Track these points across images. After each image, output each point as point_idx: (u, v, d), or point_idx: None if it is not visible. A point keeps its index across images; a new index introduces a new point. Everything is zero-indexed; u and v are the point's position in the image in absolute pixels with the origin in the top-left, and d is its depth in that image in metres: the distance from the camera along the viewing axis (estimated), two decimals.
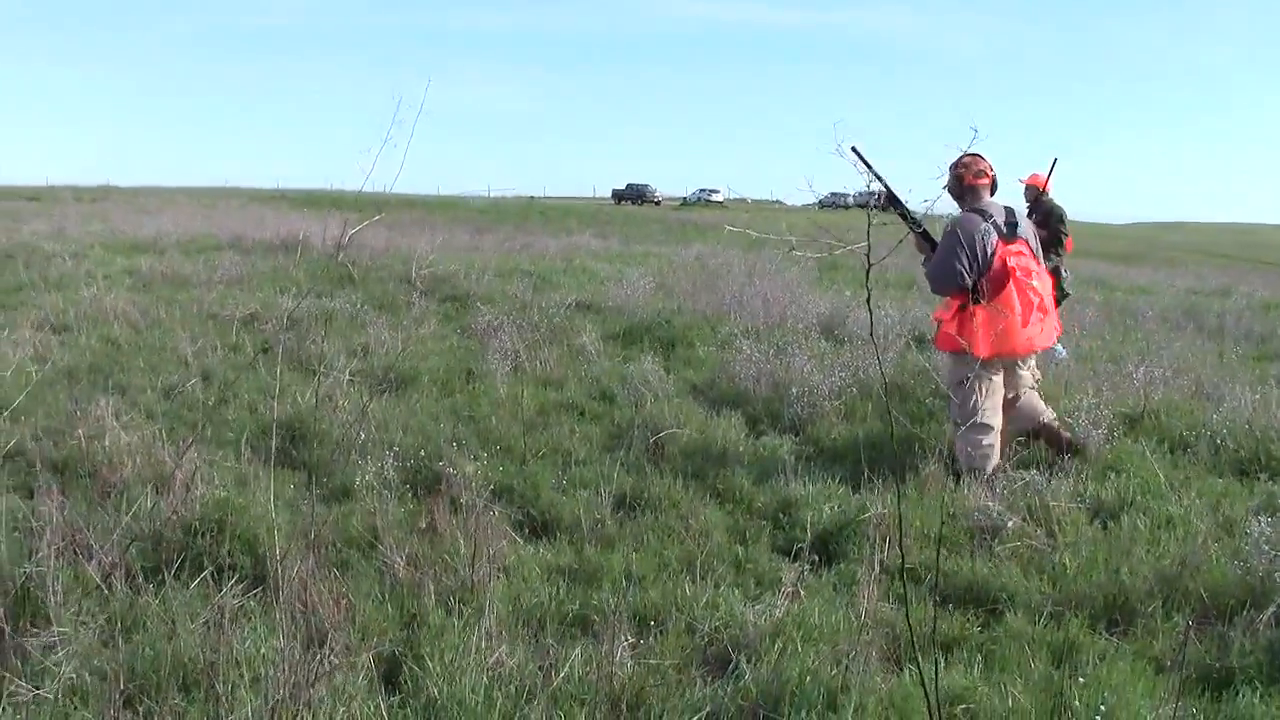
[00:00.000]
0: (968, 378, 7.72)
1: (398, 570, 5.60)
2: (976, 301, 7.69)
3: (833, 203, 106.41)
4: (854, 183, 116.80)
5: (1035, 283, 7.72)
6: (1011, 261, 7.64)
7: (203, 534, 5.72)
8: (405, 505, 6.71)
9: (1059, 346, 12.75)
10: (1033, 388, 8.19)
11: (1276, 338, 16.35)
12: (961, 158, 7.81)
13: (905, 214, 7.82)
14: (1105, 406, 8.85)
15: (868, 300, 4.11)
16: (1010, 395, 8.02)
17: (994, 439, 7.82)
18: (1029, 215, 11.95)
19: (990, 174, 7.96)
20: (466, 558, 5.63)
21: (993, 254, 7.64)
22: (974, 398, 7.73)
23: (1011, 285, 7.61)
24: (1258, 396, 9.56)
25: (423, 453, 7.50)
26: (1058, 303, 12.84)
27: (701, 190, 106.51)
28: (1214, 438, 8.46)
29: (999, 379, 7.89)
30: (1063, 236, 13.24)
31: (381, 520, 6.17)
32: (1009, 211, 7.88)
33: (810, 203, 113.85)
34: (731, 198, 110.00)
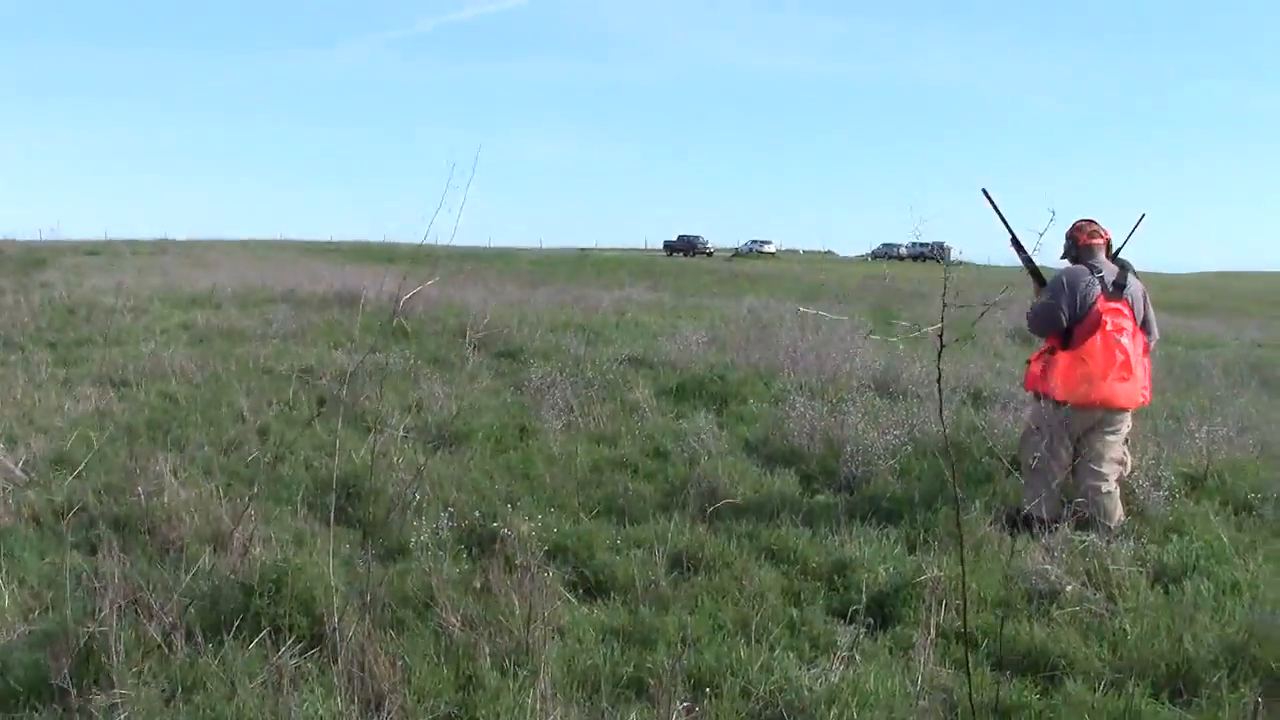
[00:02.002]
0: (1043, 423, 7.89)
1: (453, 631, 5.62)
2: (1065, 347, 7.89)
3: (884, 253, 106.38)
4: (905, 234, 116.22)
5: (1125, 340, 7.82)
6: (1106, 316, 7.80)
7: (261, 594, 5.74)
8: (460, 565, 6.70)
9: None
10: (1119, 476, 8.13)
11: None
12: (1076, 223, 8.18)
13: (1025, 258, 8.41)
14: (1166, 466, 8.79)
15: (938, 360, 4.12)
16: (1085, 470, 7.97)
17: (1056, 486, 7.87)
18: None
19: (1105, 235, 8.17)
20: (521, 619, 5.64)
21: (1092, 304, 7.81)
22: (1045, 440, 7.85)
23: (1099, 336, 7.76)
24: None
25: (477, 512, 7.51)
26: None
27: (753, 241, 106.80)
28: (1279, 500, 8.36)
29: (1072, 433, 7.98)
30: None
31: (436, 580, 6.19)
32: (1121, 272, 8.05)
33: (864, 253, 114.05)
34: (783, 249, 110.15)
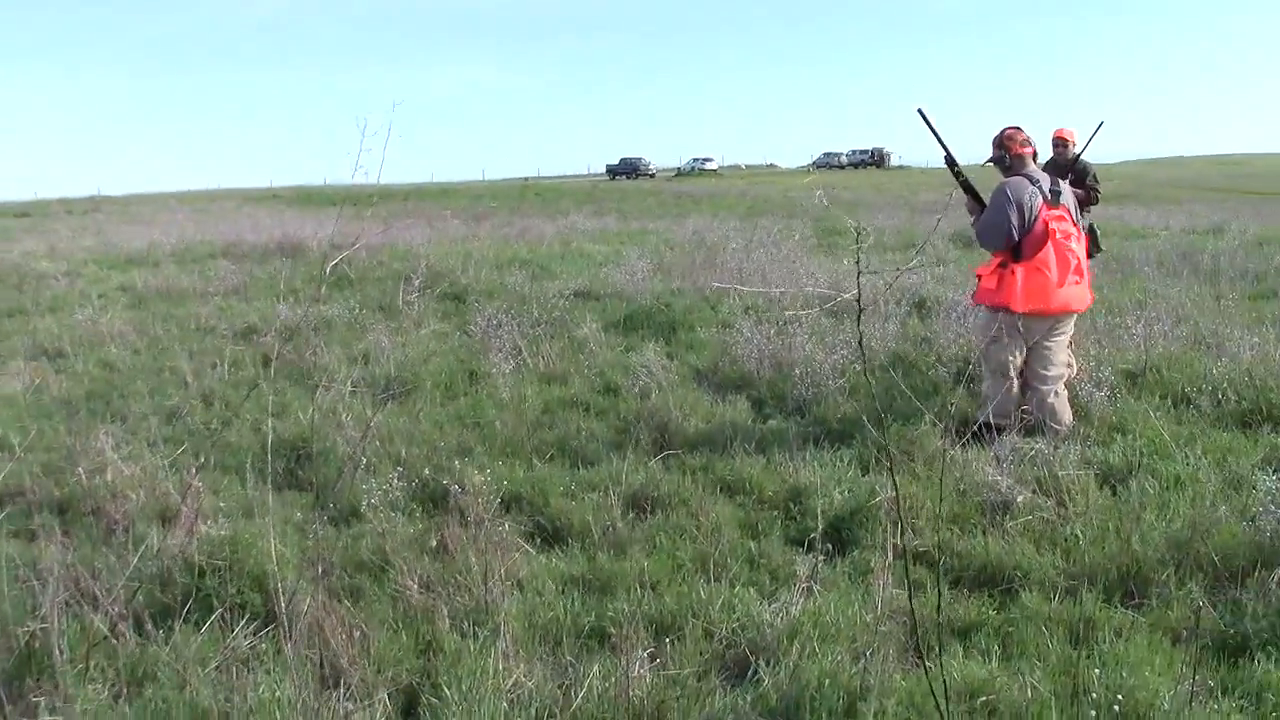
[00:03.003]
0: (1002, 332, 8.05)
1: (410, 595, 5.55)
2: (1017, 259, 8.03)
3: (826, 163, 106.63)
4: (844, 144, 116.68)
5: (1074, 245, 8.06)
6: (1053, 224, 7.97)
7: (211, 573, 5.65)
8: (415, 524, 6.61)
9: None
10: (1065, 378, 8.35)
11: (1271, 274, 16.43)
12: (1005, 130, 8.36)
13: (959, 175, 8.55)
14: (1106, 364, 8.88)
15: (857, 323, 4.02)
16: (1034, 375, 8.20)
17: (1013, 392, 8.14)
18: (1062, 173, 12.30)
19: (1032, 144, 8.36)
20: (479, 576, 5.59)
21: (1036, 216, 7.96)
22: (1006, 352, 8.07)
23: (1050, 246, 7.93)
24: (1256, 341, 9.67)
25: (427, 469, 7.43)
26: (1091, 256, 13.10)
27: (695, 159, 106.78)
28: (1215, 391, 8.54)
29: (1028, 341, 8.15)
30: (1097, 195, 13.34)
31: (391, 543, 6.12)
32: (1053, 179, 8.26)
33: (804, 164, 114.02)
34: (725, 165, 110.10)
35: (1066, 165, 13.04)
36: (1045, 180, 8.14)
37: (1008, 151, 8.26)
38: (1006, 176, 8.24)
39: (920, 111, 8.34)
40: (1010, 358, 8.08)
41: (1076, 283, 8.04)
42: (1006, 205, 7.97)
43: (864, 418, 8.15)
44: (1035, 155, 8.36)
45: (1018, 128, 8.33)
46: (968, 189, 8.55)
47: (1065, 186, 8.27)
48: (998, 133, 8.35)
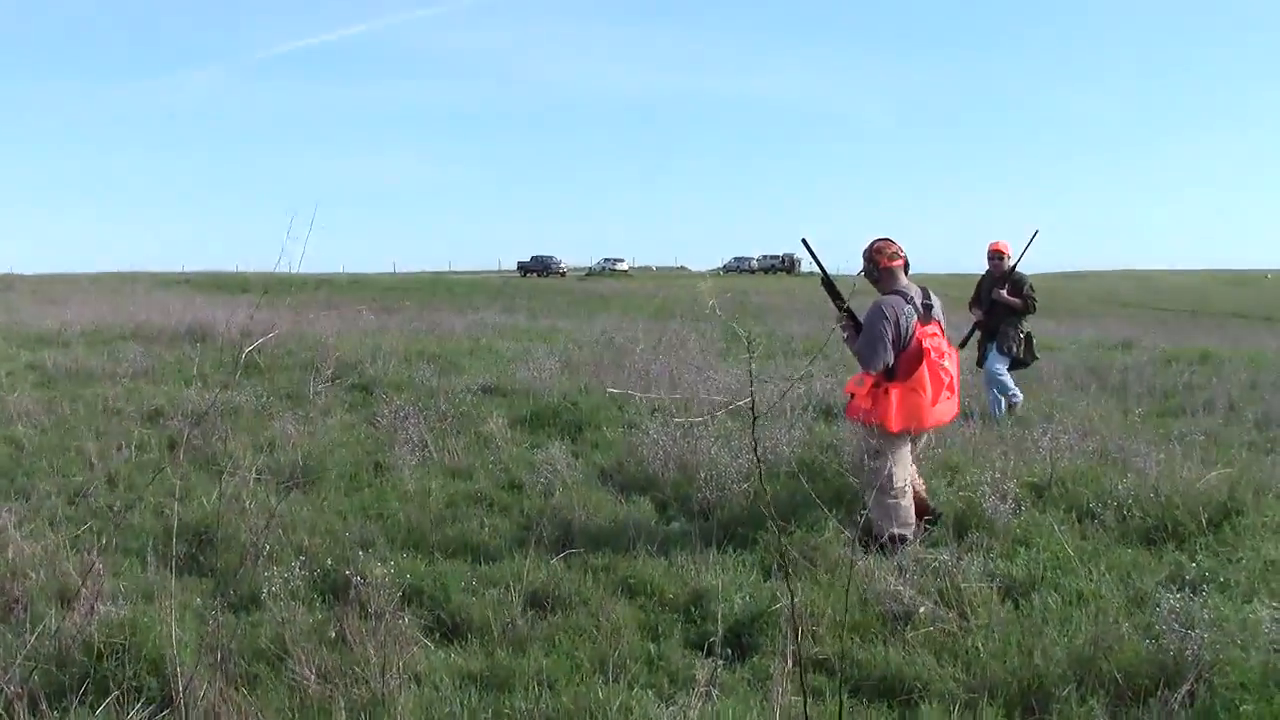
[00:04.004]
0: (878, 449, 8.05)
1: (308, 686, 5.55)
2: (890, 379, 8.05)
3: (737, 267, 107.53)
4: (756, 248, 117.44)
5: (947, 363, 8.10)
6: (927, 343, 8.01)
7: (109, 655, 5.63)
8: (315, 614, 6.60)
9: (1016, 391, 13.22)
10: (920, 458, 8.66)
11: (1180, 391, 16.71)
12: (875, 243, 8.34)
13: (837, 298, 8.50)
14: (1012, 476, 9.01)
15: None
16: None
17: (908, 502, 8.17)
18: (999, 284, 13.28)
19: (903, 255, 8.35)
20: (377, 668, 5.60)
21: (912, 333, 8.00)
22: (888, 466, 8.00)
23: (925, 366, 7.94)
24: (1163, 458, 9.76)
25: (329, 560, 7.43)
26: (1026, 365, 13.42)
27: (606, 260, 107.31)
28: (1121, 506, 8.61)
29: (907, 449, 8.23)
30: (1034, 304, 13.77)
31: (290, 631, 6.12)
32: (925, 292, 8.30)
33: (716, 267, 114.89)
34: (636, 265, 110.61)
35: (1003, 276, 13.44)
36: (918, 294, 8.21)
37: (876, 265, 8.29)
38: (879, 289, 8.31)
39: (804, 241, 8.52)
40: (895, 471, 8.05)
41: (948, 399, 8.14)
42: (883, 323, 8.02)
43: (767, 523, 8.24)
44: (907, 266, 8.36)
45: (888, 239, 8.36)
46: (847, 312, 8.51)
47: (937, 300, 8.34)
48: (867, 245, 8.37)
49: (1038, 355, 14.24)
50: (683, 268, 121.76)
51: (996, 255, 13.71)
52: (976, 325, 13.99)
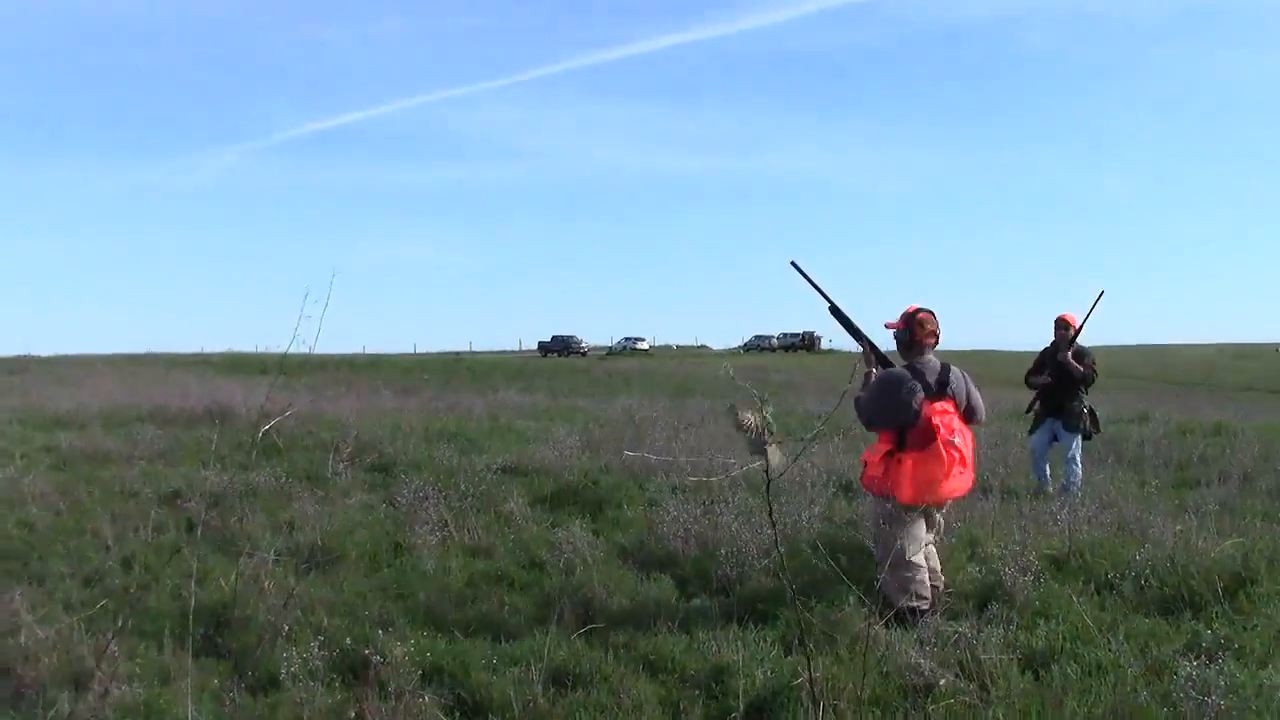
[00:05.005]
0: (891, 519, 8.05)
1: None
2: (902, 449, 8.06)
3: (757, 345, 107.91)
4: (776, 326, 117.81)
5: (957, 440, 8.03)
6: (936, 419, 8.00)
7: None
8: (333, 694, 6.51)
9: (1077, 473, 13.25)
10: (936, 540, 8.55)
11: (1194, 464, 16.64)
12: (919, 313, 8.39)
13: (851, 327, 8.71)
14: (1031, 549, 8.96)
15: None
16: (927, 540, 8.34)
17: (923, 575, 8.13)
18: (1065, 352, 13.37)
19: (938, 334, 8.40)
20: None
21: (918, 411, 7.98)
22: (898, 537, 7.95)
23: (938, 443, 7.94)
24: (1179, 529, 9.71)
25: (348, 639, 7.33)
26: (1089, 437, 13.30)
27: (627, 339, 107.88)
28: (1139, 577, 8.60)
29: (921, 525, 8.21)
30: (1094, 375, 13.85)
31: (309, 712, 6.06)
32: (944, 369, 8.32)
33: (735, 346, 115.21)
34: (657, 344, 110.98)
35: (1066, 347, 13.46)
36: (933, 371, 8.25)
37: (912, 333, 8.33)
38: (903, 355, 8.39)
39: (794, 264, 8.60)
40: (906, 543, 8.02)
41: (962, 473, 8.10)
42: (885, 391, 8.18)
43: (786, 597, 8.17)
44: (936, 343, 8.41)
45: (930, 313, 8.42)
46: (865, 344, 8.65)
47: (958, 375, 8.35)
48: (911, 309, 8.41)
49: (1100, 429, 14.23)
50: (703, 346, 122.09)
51: (1063, 325, 13.73)
52: (1038, 397, 14.05)
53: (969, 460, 8.17)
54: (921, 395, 8.03)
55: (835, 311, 8.71)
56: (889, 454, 8.14)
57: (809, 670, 5.82)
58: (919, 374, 8.16)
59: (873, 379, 8.45)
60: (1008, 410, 21.98)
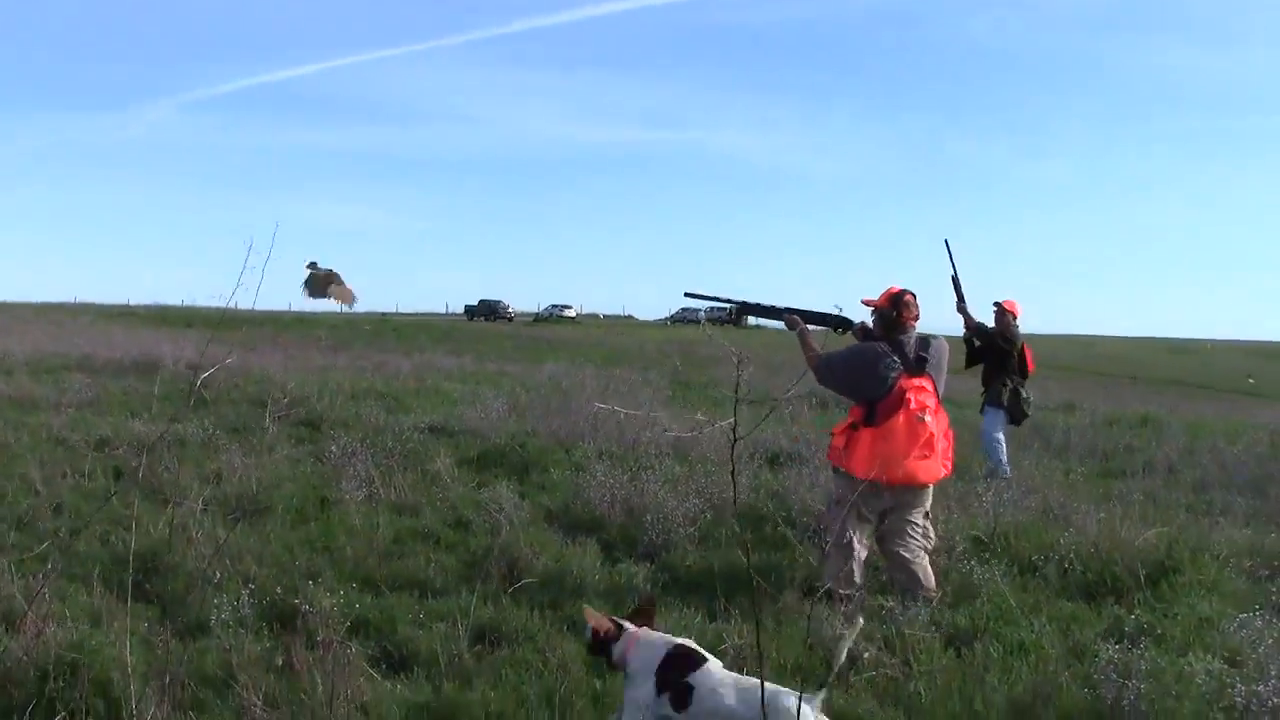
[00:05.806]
0: (842, 499, 8.03)
1: (254, 711, 5.56)
2: (869, 423, 7.99)
3: (684, 318, 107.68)
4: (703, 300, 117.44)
5: (927, 418, 7.95)
6: (910, 394, 7.95)
7: (56, 677, 5.64)
8: (262, 642, 6.62)
9: (1005, 465, 13.24)
10: (924, 548, 8.26)
11: (1120, 453, 16.97)
12: (905, 294, 8.29)
13: (766, 311, 8.93)
14: (957, 530, 9.12)
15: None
16: (893, 543, 8.16)
17: (857, 565, 8.04)
18: (1001, 337, 13.43)
19: (918, 316, 8.31)
20: (323, 697, 5.61)
21: (893, 383, 7.95)
22: (845, 518, 7.92)
23: (902, 415, 7.88)
24: (1103, 516, 9.83)
25: (278, 589, 7.45)
26: (1015, 421, 13.29)
27: (554, 306, 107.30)
28: (1062, 561, 8.71)
29: (874, 509, 8.12)
30: (1007, 347, 13.97)
31: (237, 658, 6.12)
32: (923, 343, 8.22)
33: (662, 318, 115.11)
34: (584, 313, 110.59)
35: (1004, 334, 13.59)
36: (913, 348, 8.13)
37: (898, 313, 8.21)
38: (884, 331, 8.27)
39: (688, 295, 9.12)
40: (850, 525, 7.96)
41: (925, 456, 7.96)
42: (859, 364, 8.12)
43: (715, 566, 8.32)
44: (916, 323, 8.27)
45: (915, 296, 8.30)
46: (778, 314, 8.79)
47: (937, 349, 8.24)
48: (896, 290, 8.27)
49: (1028, 413, 14.29)
50: (630, 317, 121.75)
51: (1003, 311, 13.94)
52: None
53: (937, 446, 8.04)
54: (898, 369, 8.00)
55: (745, 308, 8.82)
56: (853, 425, 8.08)
57: (735, 637, 5.94)
58: (899, 347, 8.10)
59: (818, 341, 8.44)
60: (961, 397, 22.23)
